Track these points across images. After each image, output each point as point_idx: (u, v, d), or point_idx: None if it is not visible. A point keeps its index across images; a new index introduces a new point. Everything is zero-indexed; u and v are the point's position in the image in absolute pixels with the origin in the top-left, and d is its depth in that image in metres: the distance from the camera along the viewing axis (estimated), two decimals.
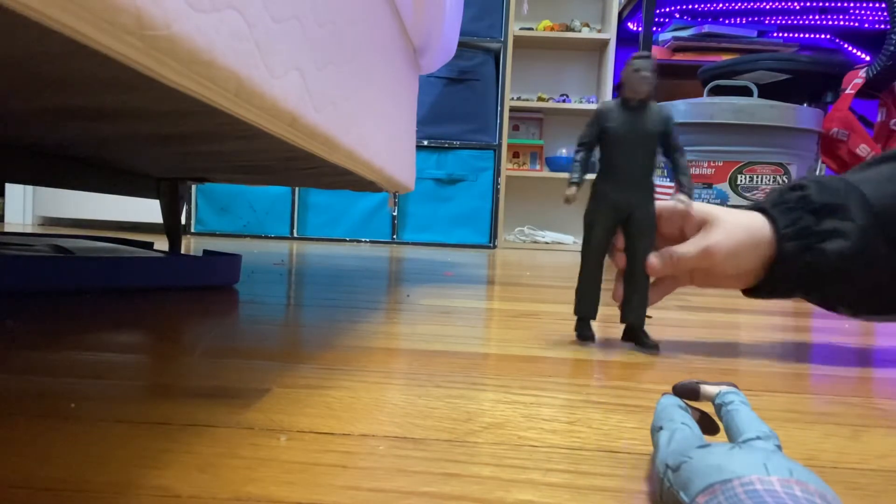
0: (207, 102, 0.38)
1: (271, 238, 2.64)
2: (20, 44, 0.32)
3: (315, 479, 0.28)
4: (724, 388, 0.31)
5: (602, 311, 0.63)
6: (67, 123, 0.59)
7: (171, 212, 1.09)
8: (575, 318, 0.63)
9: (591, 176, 0.59)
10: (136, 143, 0.71)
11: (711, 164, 1.66)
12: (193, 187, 2.57)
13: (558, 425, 0.37)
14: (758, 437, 0.27)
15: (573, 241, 2.98)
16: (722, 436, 0.31)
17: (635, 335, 0.60)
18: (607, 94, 2.89)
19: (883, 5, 2.50)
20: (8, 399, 0.37)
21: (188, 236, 2.57)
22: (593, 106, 2.86)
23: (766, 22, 2.70)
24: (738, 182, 1.64)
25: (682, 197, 0.58)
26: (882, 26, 2.64)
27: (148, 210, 2.63)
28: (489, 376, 0.48)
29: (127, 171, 1.02)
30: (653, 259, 0.59)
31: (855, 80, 1.67)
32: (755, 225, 0.58)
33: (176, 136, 0.63)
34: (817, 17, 2.67)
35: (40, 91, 0.45)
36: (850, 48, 2.77)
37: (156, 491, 0.26)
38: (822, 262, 0.55)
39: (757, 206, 0.60)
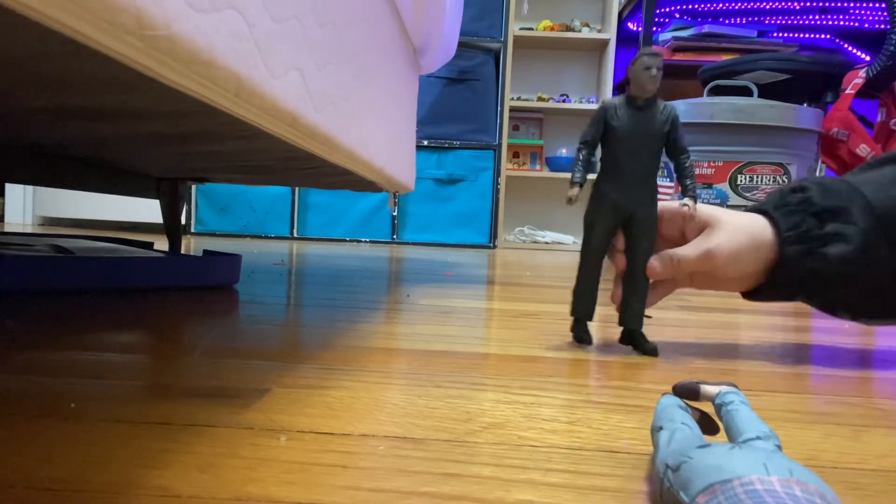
0: (207, 102, 0.38)
1: (271, 238, 2.64)
2: (20, 44, 0.32)
3: (315, 479, 0.28)
4: (724, 388, 0.31)
5: (600, 311, 0.63)
6: (67, 123, 0.59)
7: (171, 212, 1.09)
8: (571, 319, 0.61)
9: (592, 176, 0.58)
10: (136, 143, 0.71)
11: (711, 164, 1.66)
12: (193, 187, 2.57)
13: (558, 425, 0.37)
14: (758, 437, 0.27)
15: (573, 241, 2.98)
16: (722, 436, 0.31)
17: (634, 338, 0.59)
18: (607, 94, 2.89)
19: (883, 5, 2.50)
20: (8, 399, 0.37)
21: (188, 236, 2.57)
22: (593, 106, 2.86)
23: (766, 22, 2.70)
24: (738, 182, 1.64)
25: (688, 201, 0.57)
26: (882, 26, 2.64)
27: (148, 210, 2.63)
28: (489, 376, 0.48)
29: (127, 171, 1.02)
30: (653, 262, 0.58)
31: (855, 80, 1.67)
32: (757, 228, 0.57)
33: (176, 136, 0.63)
34: (817, 17, 2.67)
35: (40, 91, 0.45)
36: (850, 48, 2.77)
37: (156, 491, 0.26)
38: (825, 267, 0.54)
39: (758, 208, 0.60)
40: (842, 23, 2.67)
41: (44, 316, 0.64)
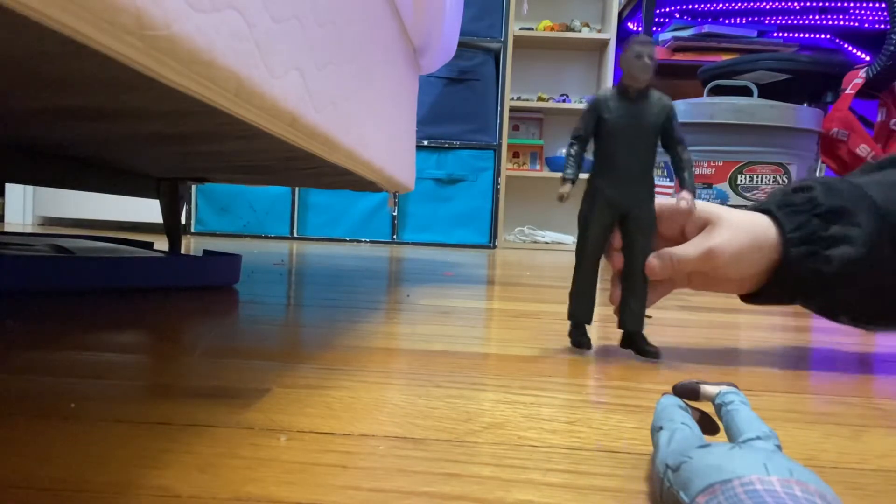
0: (207, 102, 0.38)
1: (271, 238, 2.64)
2: (20, 44, 0.32)
3: (315, 479, 0.28)
4: (724, 388, 0.31)
5: (598, 310, 0.63)
6: (67, 123, 0.59)
7: (171, 212, 1.09)
8: (569, 322, 0.59)
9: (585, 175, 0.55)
10: (136, 143, 0.71)
11: (711, 164, 1.66)
12: (193, 187, 2.57)
13: (558, 425, 0.37)
14: (758, 437, 0.27)
15: (573, 240, 2.98)
16: (722, 436, 0.31)
17: (634, 342, 0.57)
18: None
19: (883, 5, 2.50)
20: (8, 399, 0.37)
21: (188, 236, 2.57)
22: None
23: (766, 22, 2.70)
24: (738, 182, 1.64)
25: (686, 195, 0.54)
26: (882, 26, 2.64)
27: (148, 210, 2.63)
28: (489, 376, 0.48)
29: (127, 171, 1.02)
30: (652, 261, 0.56)
31: (855, 80, 1.67)
32: (760, 227, 0.55)
33: (176, 136, 0.63)
34: (817, 17, 2.67)
35: (40, 91, 0.45)
36: (850, 48, 2.77)
37: (156, 491, 0.26)
38: (829, 269, 0.53)
39: (761, 207, 0.58)
40: (842, 23, 2.67)
41: (44, 316, 0.64)
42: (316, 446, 0.32)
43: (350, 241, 2.68)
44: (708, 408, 0.35)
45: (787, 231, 0.54)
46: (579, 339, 0.58)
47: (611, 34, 2.83)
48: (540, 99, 2.94)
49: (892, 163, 0.58)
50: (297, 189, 2.62)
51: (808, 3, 2.60)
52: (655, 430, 0.29)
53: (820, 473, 0.31)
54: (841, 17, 2.65)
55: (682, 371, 0.52)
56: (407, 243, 2.69)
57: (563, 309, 0.86)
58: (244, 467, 0.29)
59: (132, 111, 0.51)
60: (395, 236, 2.69)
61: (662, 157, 1.77)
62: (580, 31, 2.89)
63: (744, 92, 1.68)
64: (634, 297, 0.56)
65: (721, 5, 2.66)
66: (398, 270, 1.42)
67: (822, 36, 2.77)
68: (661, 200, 0.58)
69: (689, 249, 0.56)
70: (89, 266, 0.80)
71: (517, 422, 0.37)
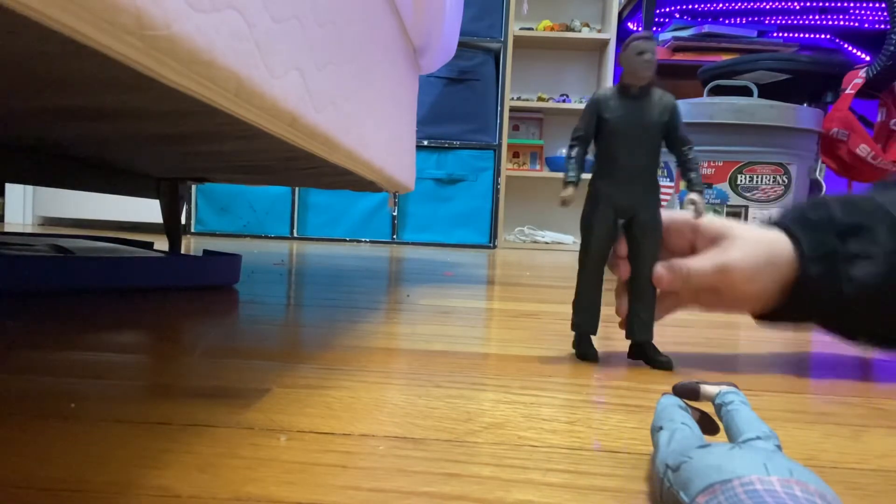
0: (207, 102, 0.38)
1: (271, 238, 2.64)
2: (20, 44, 0.32)
3: (315, 479, 0.28)
4: (724, 388, 0.31)
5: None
6: (67, 123, 0.59)
7: (171, 212, 1.09)
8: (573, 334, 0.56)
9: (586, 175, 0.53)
10: (136, 143, 0.71)
11: (711, 164, 1.66)
12: (193, 187, 2.57)
13: (558, 425, 0.37)
14: (758, 437, 0.27)
15: (573, 241, 2.98)
16: (722, 436, 0.31)
17: (645, 352, 0.54)
18: None
19: (883, 5, 2.50)
20: (8, 399, 0.37)
21: (188, 236, 2.57)
22: None
23: (766, 22, 2.70)
24: (738, 182, 1.64)
25: (695, 196, 0.52)
26: (882, 26, 2.64)
27: (148, 210, 2.63)
28: (489, 376, 0.48)
29: (127, 171, 1.02)
30: (661, 270, 0.53)
31: (855, 80, 1.67)
32: (775, 243, 0.52)
33: (176, 136, 0.63)
34: (817, 17, 2.67)
35: (40, 91, 0.45)
36: (850, 48, 2.77)
37: (156, 491, 0.26)
38: (849, 288, 0.50)
39: (775, 223, 0.55)
40: (842, 23, 2.67)
41: (44, 316, 0.64)
42: (316, 446, 0.32)
43: (350, 241, 2.68)
44: (708, 408, 0.35)
45: (805, 248, 0.51)
46: (586, 351, 0.55)
47: (611, 34, 2.83)
48: (540, 99, 2.94)
49: None
50: (297, 189, 2.62)
51: (808, 3, 2.60)
52: (655, 430, 0.29)
53: (820, 473, 0.31)
54: (841, 17, 2.65)
55: (682, 371, 0.52)
56: (407, 243, 2.69)
57: (564, 309, 0.86)
58: (244, 467, 0.29)
59: (132, 111, 0.51)
60: (395, 236, 2.69)
61: (661, 157, 1.76)
62: (580, 31, 2.89)
63: (744, 92, 1.68)
64: (643, 306, 0.53)
65: (721, 5, 2.66)
66: (398, 270, 1.42)
67: (822, 36, 2.77)
68: (669, 212, 0.56)
69: (703, 262, 0.53)
70: (89, 266, 0.80)
71: (517, 422, 0.37)
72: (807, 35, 2.77)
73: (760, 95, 1.68)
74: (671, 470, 0.25)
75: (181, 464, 0.29)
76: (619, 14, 2.84)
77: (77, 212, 2.74)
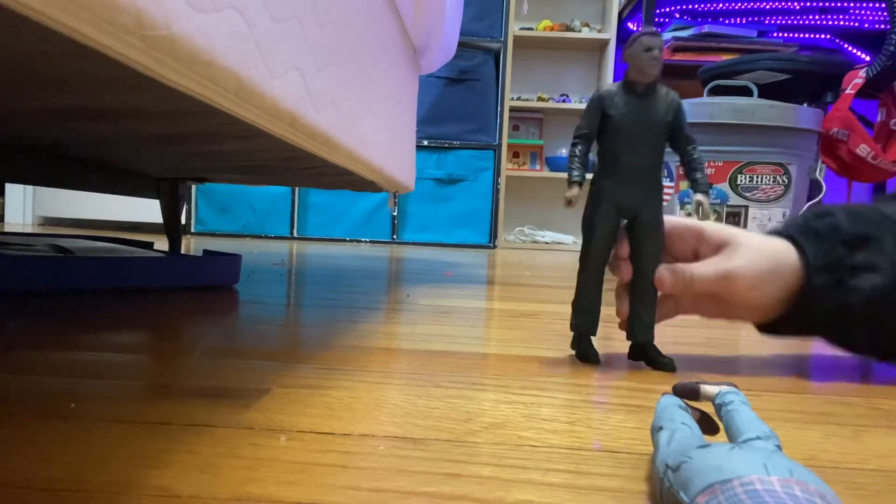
0: (207, 102, 0.38)
1: (271, 238, 2.64)
2: (20, 44, 0.32)
3: (315, 479, 0.28)
4: (724, 388, 0.31)
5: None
6: (67, 123, 0.59)
7: (171, 212, 1.09)
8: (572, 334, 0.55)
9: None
10: (136, 143, 0.71)
11: (711, 164, 1.66)
12: (193, 187, 2.57)
13: (558, 425, 0.37)
14: (758, 437, 0.27)
15: (573, 241, 2.98)
16: (722, 436, 0.31)
17: (646, 353, 0.53)
18: None
19: (883, 5, 2.50)
20: (8, 399, 0.37)
21: (188, 236, 2.57)
22: None
23: (766, 22, 2.70)
24: (738, 182, 1.64)
25: (701, 198, 0.51)
26: (882, 26, 2.64)
27: (148, 210, 2.63)
28: (489, 376, 0.48)
29: (127, 171, 1.02)
30: (664, 272, 0.52)
31: (855, 80, 1.67)
32: (780, 252, 0.52)
33: (176, 136, 0.63)
34: (817, 17, 2.67)
35: (40, 91, 0.45)
36: (850, 48, 2.77)
37: (156, 491, 0.26)
38: (855, 299, 0.50)
39: (780, 232, 0.54)
40: (842, 23, 2.67)
41: (44, 316, 0.64)
42: (316, 446, 0.32)
43: (350, 241, 2.68)
44: (708, 408, 0.35)
45: (811, 258, 0.51)
46: (586, 352, 0.54)
47: (611, 34, 2.83)
48: (540, 99, 2.94)
49: None
50: (297, 189, 2.62)
51: (808, 3, 2.60)
52: (655, 430, 0.29)
53: (820, 473, 0.31)
54: (841, 17, 2.65)
55: (683, 371, 0.52)
56: (407, 243, 2.69)
57: (564, 308, 0.86)
58: (244, 467, 0.29)
59: (132, 111, 0.51)
60: (395, 236, 2.69)
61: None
62: (580, 31, 2.89)
63: (744, 92, 1.68)
64: (644, 307, 0.53)
65: (721, 5, 2.66)
66: (398, 270, 1.42)
67: (822, 36, 2.77)
68: (674, 218, 0.55)
69: (707, 268, 0.52)
70: (89, 266, 0.80)
71: (517, 422, 0.37)
72: (807, 35, 2.77)
73: (760, 95, 1.68)
74: (671, 470, 0.25)
75: (181, 464, 0.29)
76: (619, 14, 2.84)
77: (77, 212, 2.74)
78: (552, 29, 2.89)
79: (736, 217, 1.66)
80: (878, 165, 1.67)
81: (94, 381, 0.41)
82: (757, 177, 1.63)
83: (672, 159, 1.67)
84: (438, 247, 2.62)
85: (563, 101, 2.93)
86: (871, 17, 2.64)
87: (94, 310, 0.69)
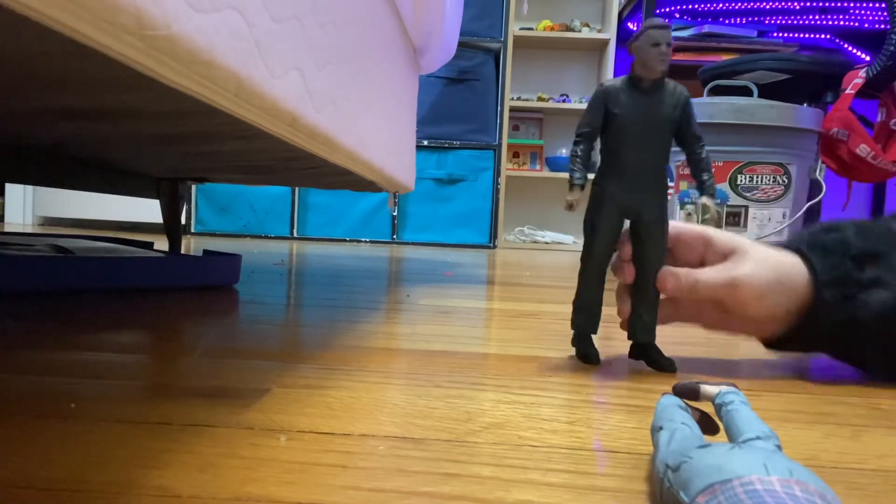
0: (207, 102, 0.38)
1: (271, 238, 2.64)
2: (20, 44, 0.32)
3: (315, 479, 0.28)
4: (724, 388, 0.31)
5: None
6: (67, 123, 0.59)
7: (171, 212, 1.09)
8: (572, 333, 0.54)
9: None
10: (136, 143, 0.71)
11: (712, 163, 1.66)
12: (193, 187, 2.57)
13: (558, 425, 0.37)
14: (758, 437, 0.27)
15: (573, 241, 2.98)
16: (722, 436, 0.31)
17: (647, 353, 0.53)
18: None
19: (883, 5, 2.50)
20: (8, 399, 0.37)
21: (188, 236, 2.58)
22: None
23: (766, 22, 2.70)
24: (738, 182, 1.64)
25: (707, 200, 0.50)
26: (882, 26, 2.64)
27: (148, 210, 2.63)
28: (489, 376, 0.48)
29: (127, 171, 1.03)
30: (667, 274, 0.51)
31: (855, 80, 1.67)
32: (787, 265, 0.51)
33: (176, 136, 0.63)
34: (817, 17, 2.67)
35: (40, 91, 0.45)
36: (850, 48, 2.77)
37: (156, 491, 0.26)
38: (864, 315, 0.49)
39: (788, 245, 0.53)
40: (842, 23, 2.67)
41: (44, 316, 0.64)
42: (316, 446, 0.32)
43: (350, 241, 2.68)
44: (708, 408, 0.35)
45: (819, 273, 0.50)
46: (586, 352, 0.53)
47: (611, 34, 2.83)
48: (540, 99, 2.94)
49: None
50: (297, 189, 2.62)
51: (808, 3, 2.60)
52: (655, 430, 0.29)
53: (820, 473, 0.31)
54: (841, 17, 2.65)
55: (683, 371, 0.52)
56: (407, 243, 2.69)
57: (564, 308, 0.86)
58: (244, 467, 0.29)
59: (132, 111, 0.51)
60: (395, 236, 2.69)
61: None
62: (580, 31, 2.89)
63: (744, 92, 1.68)
64: (646, 307, 0.52)
65: (721, 5, 2.66)
66: (398, 270, 1.42)
67: (822, 36, 2.77)
68: (681, 224, 0.54)
69: (712, 274, 0.51)
70: (89, 266, 0.80)
71: (517, 422, 0.37)
72: (807, 35, 2.77)
73: (760, 95, 1.68)
74: (671, 470, 0.25)
75: (181, 464, 0.29)
76: (619, 14, 2.84)
77: (77, 212, 2.74)
78: (552, 29, 2.89)
79: (736, 217, 1.66)
80: (878, 165, 1.67)
81: (94, 381, 0.41)
82: (757, 177, 1.63)
83: (672, 159, 1.67)
84: (438, 247, 2.62)
85: (563, 101, 2.93)
86: (871, 17, 2.64)
87: (94, 310, 0.69)
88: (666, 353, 0.53)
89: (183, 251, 1.08)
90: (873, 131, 1.75)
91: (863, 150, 1.66)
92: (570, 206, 0.48)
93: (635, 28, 2.88)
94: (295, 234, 2.67)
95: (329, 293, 0.94)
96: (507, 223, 3.10)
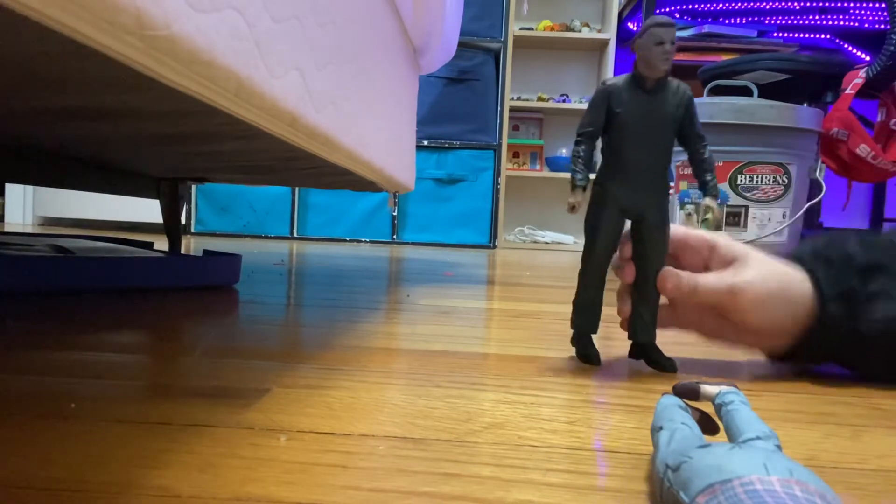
0: (207, 102, 0.38)
1: (271, 238, 2.64)
2: (20, 44, 0.32)
3: (315, 479, 0.28)
4: (724, 388, 0.31)
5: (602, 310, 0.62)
6: (67, 123, 0.59)
7: (171, 212, 1.09)
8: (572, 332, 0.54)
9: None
10: (136, 143, 0.71)
11: (714, 163, 1.66)
12: (193, 187, 2.57)
13: (558, 425, 0.37)
14: (758, 437, 0.27)
15: (573, 241, 2.98)
16: (722, 436, 0.31)
17: (647, 353, 0.52)
18: None
19: (883, 5, 2.50)
20: (8, 399, 0.37)
21: (188, 236, 2.58)
22: None
23: (766, 22, 2.70)
24: (738, 182, 1.64)
25: (709, 201, 0.49)
26: (882, 26, 2.64)
27: (148, 210, 2.63)
28: (489, 376, 0.48)
29: (127, 171, 1.02)
30: (667, 275, 0.51)
31: (855, 80, 1.67)
32: (791, 276, 0.50)
33: (176, 136, 0.63)
34: (817, 17, 2.67)
35: (40, 91, 0.45)
36: (850, 48, 2.77)
37: (156, 491, 0.26)
38: (868, 328, 0.48)
39: (791, 256, 0.53)
40: (842, 23, 2.67)
41: (44, 316, 0.64)
42: (316, 446, 0.32)
43: (350, 241, 2.68)
44: (708, 408, 0.35)
45: (824, 286, 0.50)
46: (586, 352, 0.53)
47: (611, 34, 2.83)
48: (540, 99, 2.94)
49: None
50: (297, 189, 2.62)
51: (808, 3, 2.60)
52: (655, 430, 0.29)
53: (820, 473, 0.31)
54: (841, 17, 2.65)
55: (683, 371, 0.52)
56: (407, 243, 2.69)
57: (564, 308, 0.86)
58: (244, 467, 0.29)
59: (132, 111, 0.51)
60: (395, 236, 2.69)
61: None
62: (580, 31, 2.89)
63: (744, 92, 1.68)
64: (646, 307, 0.51)
65: (721, 5, 2.66)
66: (398, 270, 1.42)
67: (822, 36, 2.77)
68: (686, 229, 0.54)
69: (713, 279, 0.50)
70: (89, 266, 0.80)
71: (517, 422, 0.37)
72: (807, 35, 2.77)
73: (760, 95, 1.68)
74: (671, 470, 0.25)
75: (181, 464, 0.29)
76: (619, 14, 2.84)
77: (77, 212, 2.74)
78: (552, 29, 2.89)
79: (736, 217, 1.66)
80: (878, 165, 1.67)
81: (94, 381, 0.41)
82: (757, 177, 1.63)
83: (673, 159, 1.67)
84: (438, 247, 2.62)
85: (563, 101, 2.93)
86: (871, 17, 2.64)
87: (94, 310, 0.69)
88: (666, 353, 0.53)
89: (183, 251, 1.08)
90: (873, 131, 1.75)
91: (863, 150, 1.66)
92: (573, 208, 0.48)
93: (635, 28, 2.88)
94: (295, 234, 2.67)
95: (329, 293, 0.94)
96: (507, 223, 3.10)
